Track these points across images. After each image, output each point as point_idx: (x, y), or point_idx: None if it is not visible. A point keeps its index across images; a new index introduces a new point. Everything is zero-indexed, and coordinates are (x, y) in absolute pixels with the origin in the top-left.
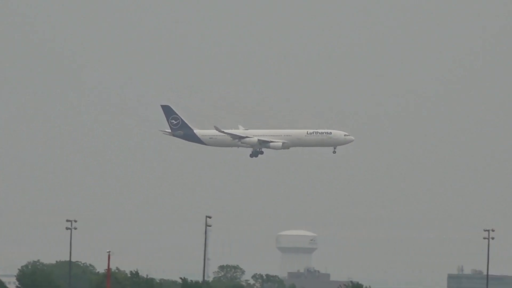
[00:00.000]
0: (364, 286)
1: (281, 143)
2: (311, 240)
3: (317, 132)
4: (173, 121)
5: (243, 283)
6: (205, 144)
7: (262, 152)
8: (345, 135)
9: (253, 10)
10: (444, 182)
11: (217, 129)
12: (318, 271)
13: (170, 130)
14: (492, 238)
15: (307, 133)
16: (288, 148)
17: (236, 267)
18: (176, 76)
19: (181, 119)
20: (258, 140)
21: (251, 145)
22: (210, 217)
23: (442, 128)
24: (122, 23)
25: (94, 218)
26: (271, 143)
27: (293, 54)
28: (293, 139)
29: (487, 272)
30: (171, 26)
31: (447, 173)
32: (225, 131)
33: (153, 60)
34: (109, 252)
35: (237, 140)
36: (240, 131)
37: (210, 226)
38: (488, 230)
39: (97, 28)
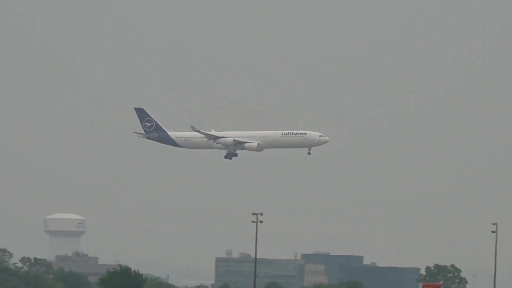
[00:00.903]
0: (132, 269)
1: (256, 144)
2: (79, 223)
3: (292, 133)
4: (147, 123)
5: (11, 267)
6: (179, 146)
7: (236, 154)
8: (320, 135)
9: (253, 10)
10: (445, 181)
11: (193, 128)
12: (86, 255)
13: (144, 133)
14: (261, 222)
15: (282, 134)
16: (262, 150)
17: (4, 250)
18: (176, 76)
19: (155, 121)
20: (234, 140)
21: (226, 146)
22: None
23: (442, 128)
24: (122, 23)
25: None
26: (246, 144)
27: (293, 54)
28: (268, 140)
29: (255, 255)
30: (171, 26)
31: (447, 173)
32: (201, 131)
33: (153, 60)
34: None
35: (212, 141)
36: (214, 132)
37: None
38: (257, 214)
39: (97, 28)
